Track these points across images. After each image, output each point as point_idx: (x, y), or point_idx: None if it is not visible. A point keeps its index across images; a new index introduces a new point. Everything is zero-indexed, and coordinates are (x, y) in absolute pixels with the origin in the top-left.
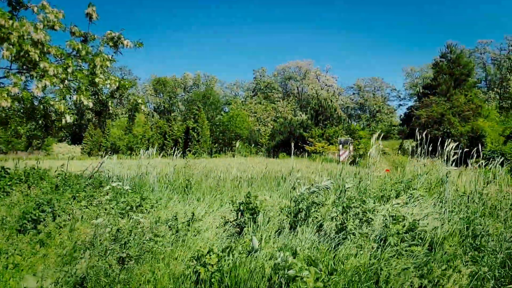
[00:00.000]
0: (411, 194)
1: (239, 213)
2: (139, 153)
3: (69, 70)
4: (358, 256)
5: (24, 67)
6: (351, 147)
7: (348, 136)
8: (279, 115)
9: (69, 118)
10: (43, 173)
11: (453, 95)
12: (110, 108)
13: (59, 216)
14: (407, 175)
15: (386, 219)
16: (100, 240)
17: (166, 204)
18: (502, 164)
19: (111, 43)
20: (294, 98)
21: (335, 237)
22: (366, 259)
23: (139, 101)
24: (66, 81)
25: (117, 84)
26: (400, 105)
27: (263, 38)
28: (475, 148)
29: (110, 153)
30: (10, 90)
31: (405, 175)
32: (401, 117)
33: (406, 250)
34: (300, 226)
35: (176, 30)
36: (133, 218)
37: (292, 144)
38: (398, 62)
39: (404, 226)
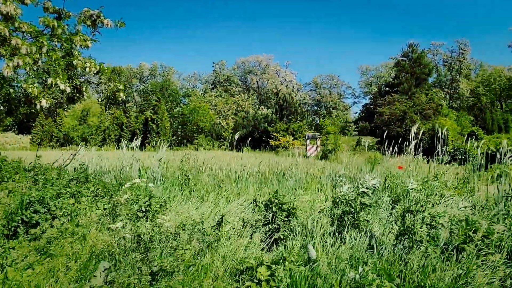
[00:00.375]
0: (442, 194)
1: (271, 215)
2: (92, 145)
3: (43, 49)
4: (438, 267)
5: None
6: (318, 142)
7: (313, 131)
8: (240, 108)
9: (44, 103)
10: (16, 166)
11: (414, 94)
12: (85, 94)
13: (57, 218)
14: (408, 172)
15: (452, 224)
16: (124, 249)
17: (171, 202)
18: (463, 162)
19: (88, 22)
20: (254, 92)
21: (391, 243)
22: (452, 272)
23: (120, 87)
24: (39, 61)
25: (97, 68)
26: (355, 102)
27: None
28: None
29: (86, 143)
30: None
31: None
32: (360, 114)
33: (482, 260)
34: (347, 231)
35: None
36: (158, 221)
37: (262, 139)
38: (354, 60)
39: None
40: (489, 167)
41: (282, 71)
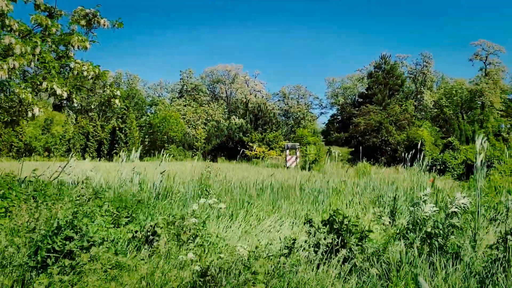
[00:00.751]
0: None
1: (340, 239)
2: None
3: (37, 50)
4: None
5: None
6: (298, 153)
7: (288, 141)
8: (210, 118)
9: (37, 111)
10: (10, 180)
11: (389, 105)
12: (75, 101)
13: (94, 245)
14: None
15: None
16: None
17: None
18: (443, 171)
19: (83, 22)
20: (223, 102)
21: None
22: None
23: (117, 93)
24: (32, 63)
25: (96, 72)
26: (322, 113)
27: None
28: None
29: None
30: None
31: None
32: (327, 124)
33: None
34: (434, 257)
35: None
36: (238, 249)
37: (237, 149)
38: (321, 71)
39: None
40: (470, 177)
41: (251, 81)
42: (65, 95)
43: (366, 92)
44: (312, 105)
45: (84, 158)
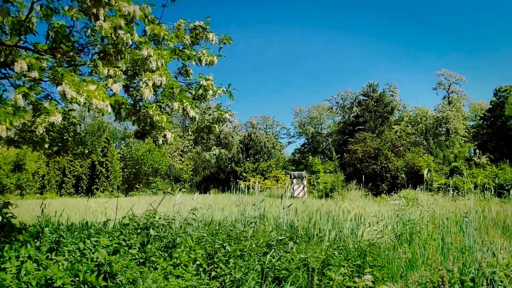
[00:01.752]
0: None
1: None
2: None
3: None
4: None
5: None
6: (305, 182)
7: (282, 170)
8: (186, 149)
9: (170, 136)
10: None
11: (382, 132)
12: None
13: None
14: None
15: None
16: None
17: None
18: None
19: (187, 36)
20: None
21: None
22: None
23: (226, 115)
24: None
25: (225, 91)
26: (289, 142)
27: None
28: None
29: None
30: (111, 87)
31: None
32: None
33: None
34: None
35: None
36: None
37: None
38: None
39: None
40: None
41: None
42: (197, 118)
43: (356, 120)
44: (280, 135)
45: (61, 195)
